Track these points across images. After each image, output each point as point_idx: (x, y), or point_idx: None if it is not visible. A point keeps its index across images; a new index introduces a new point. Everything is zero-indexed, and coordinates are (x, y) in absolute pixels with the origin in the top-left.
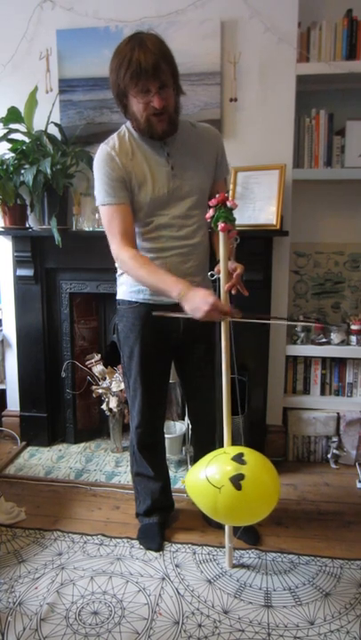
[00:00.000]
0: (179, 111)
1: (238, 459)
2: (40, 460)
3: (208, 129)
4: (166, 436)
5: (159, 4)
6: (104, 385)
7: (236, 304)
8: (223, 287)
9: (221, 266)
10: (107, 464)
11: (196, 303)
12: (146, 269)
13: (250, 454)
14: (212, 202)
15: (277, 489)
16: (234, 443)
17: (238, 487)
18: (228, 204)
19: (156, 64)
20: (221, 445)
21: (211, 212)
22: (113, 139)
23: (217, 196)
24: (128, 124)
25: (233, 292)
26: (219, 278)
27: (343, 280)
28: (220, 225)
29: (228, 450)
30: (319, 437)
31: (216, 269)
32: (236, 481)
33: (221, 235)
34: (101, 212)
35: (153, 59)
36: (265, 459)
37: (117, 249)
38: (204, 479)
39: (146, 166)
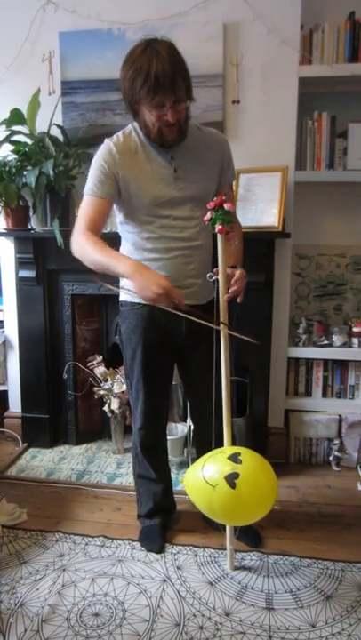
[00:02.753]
0: (189, 119)
1: (234, 458)
2: (42, 462)
3: (215, 134)
4: (168, 437)
5: (162, 6)
6: (106, 386)
7: (237, 306)
8: (222, 289)
9: (220, 268)
10: (108, 465)
11: (149, 283)
12: (99, 249)
13: (246, 454)
14: (210, 204)
15: (274, 489)
16: (236, 445)
17: (233, 486)
18: (226, 206)
19: (173, 80)
20: (222, 446)
21: (208, 215)
22: (118, 136)
23: (215, 198)
24: (135, 124)
25: (226, 298)
26: (217, 280)
27: (345, 282)
28: (218, 227)
29: (225, 449)
30: (321, 440)
31: (215, 271)
32: (231, 480)
33: (219, 237)
34: (84, 198)
35: (171, 74)
36: (262, 459)
37: (79, 231)
38: (201, 478)
39: (148, 167)
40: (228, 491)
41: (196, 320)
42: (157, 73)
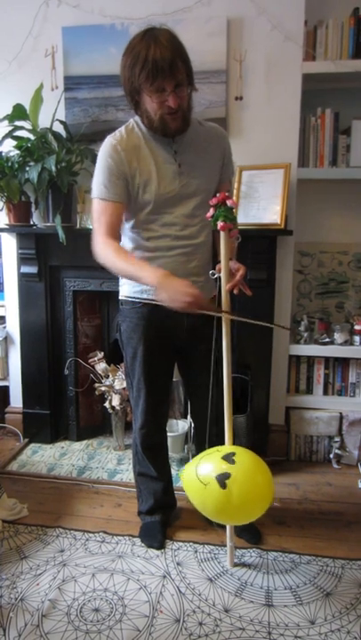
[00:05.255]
0: (191, 108)
1: (228, 458)
2: (42, 457)
3: (216, 129)
4: (168, 434)
5: (165, 1)
6: (107, 383)
7: (239, 304)
8: (224, 286)
9: (223, 265)
10: (109, 462)
11: (175, 293)
12: (125, 260)
13: (242, 454)
14: (213, 201)
15: (269, 491)
16: (237, 442)
17: (223, 486)
18: (228, 202)
19: (172, 63)
20: (222, 444)
21: (211, 212)
22: (120, 132)
23: (217, 195)
24: (137, 118)
25: (235, 291)
26: (219, 277)
27: (347, 280)
28: (220, 224)
29: (222, 448)
30: (321, 437)
31: (217, 268)
32: (222, 480)
33: (222, 234)
34: (94, 203)
35: (169, 57)
36: (257, 459)
37: (102, 240)
38: (195, 475)
39: (152, 163)
40: (218, 490)
41: (209, 313)
42: (155, 57)
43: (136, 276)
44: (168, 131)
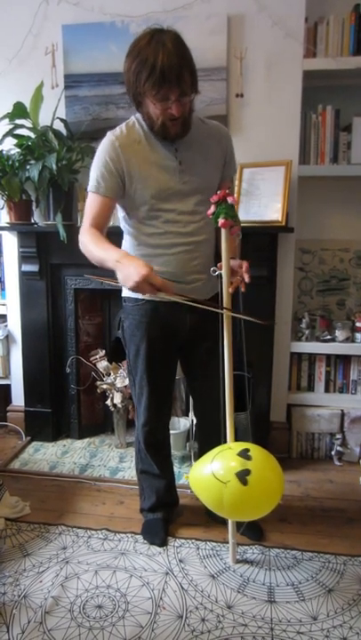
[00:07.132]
0: (193, 111)
1: (244, 454)
2: (44, 455)
3: (218, 127)
4: (170, 431)
5: None
6: (108, 381)
7: (240, 301)
8: (225, 283)
9: (223, 262)
10: (111, 459)
11: (129, 272)
12: (96, 243)
13: (254, 450)
14: (213, 198)
15: (282, 484)
16: (241, 439)
17: (245, 482)
18: (229, 200)
19: (179, 74)
20: (225, 441)
21: (212, 209)
22: (121, 128)
23: (218, 192)
24: (138, 115)
25: (230, 290)
26: (221, 274)
27: (348, 277)
28: (221, 221)
29: (233, 445)
30: (323, 434)
31: (218, 265)
32: (243, 476)
33: (223, 231)
34: (88, 195)
35: (177, 68)
36: (269, 454)
37: (83, 229)
38: (210, 474)
39: (152, 158)
40: (239, 487)
41: (201, 306)
42: (163, 66)
43: (102, 259)
44: (168, 135)
